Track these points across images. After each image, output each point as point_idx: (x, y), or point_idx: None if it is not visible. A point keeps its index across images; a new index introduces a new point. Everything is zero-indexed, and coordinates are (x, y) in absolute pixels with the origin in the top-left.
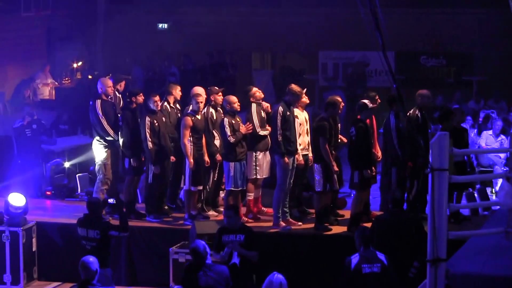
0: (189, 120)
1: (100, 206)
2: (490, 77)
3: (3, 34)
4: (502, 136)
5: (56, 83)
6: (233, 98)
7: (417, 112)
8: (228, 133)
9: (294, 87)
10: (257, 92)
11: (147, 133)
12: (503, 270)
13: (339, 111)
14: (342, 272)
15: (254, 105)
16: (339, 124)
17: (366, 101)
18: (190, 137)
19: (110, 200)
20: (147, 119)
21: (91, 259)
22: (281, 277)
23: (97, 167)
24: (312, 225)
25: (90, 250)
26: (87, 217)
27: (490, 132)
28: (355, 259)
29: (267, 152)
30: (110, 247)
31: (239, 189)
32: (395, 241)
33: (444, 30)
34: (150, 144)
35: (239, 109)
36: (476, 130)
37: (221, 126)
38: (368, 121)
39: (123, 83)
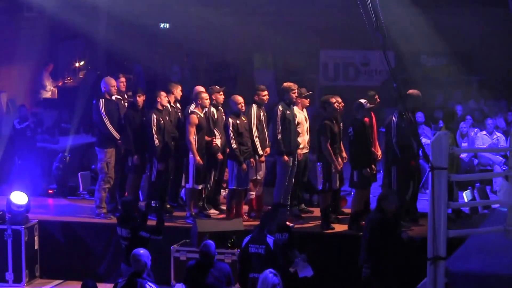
0: (195, 118)
1: (133, 206)
2: (490, 76)
3: (5, 34)
4: (497, 134)
5: (54, 87)
6: (239, 98)
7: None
8: (232, 135)
9: (285, 84)
10: (266, 96)
11: (153, 130)
12: (502, 269)
13: (337, 110)
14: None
15: (255, 106)
16: (341, 124)
17: (362, 100)
18: (195, 135)
19: (152, 203)
20: (154, 116)
21: (142, 251)
22: (272, 274)
23: (99, 166)
24: (311, 224)
25: (125, 248)
26: (122, 216)
27: (484, 132)
28: (246, 239)
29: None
30: (145, 246)
31: (243, 188)
32: (382, 240)
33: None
34: (156, 141)
35: (243, 110)
36: (476, 129)
37: (225, 127)
38: (367, 120)
39: (123, 79)
